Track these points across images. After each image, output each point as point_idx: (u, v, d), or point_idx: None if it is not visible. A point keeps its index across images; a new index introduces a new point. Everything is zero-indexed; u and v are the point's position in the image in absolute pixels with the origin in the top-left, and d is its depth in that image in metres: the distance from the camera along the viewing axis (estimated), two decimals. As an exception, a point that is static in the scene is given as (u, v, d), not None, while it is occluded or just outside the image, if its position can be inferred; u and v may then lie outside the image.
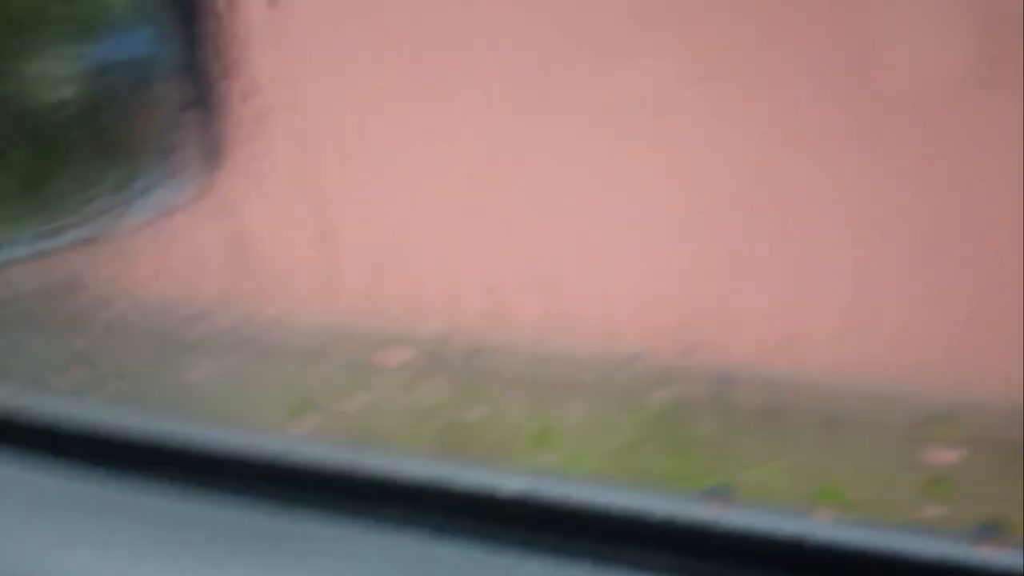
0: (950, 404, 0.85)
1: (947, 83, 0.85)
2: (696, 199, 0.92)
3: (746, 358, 0.91)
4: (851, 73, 0.88)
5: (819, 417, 0.93)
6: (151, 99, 1.15)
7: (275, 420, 0.92)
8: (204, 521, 0.35)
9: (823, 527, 0.34)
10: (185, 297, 1.08)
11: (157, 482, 0.37)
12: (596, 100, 0.97)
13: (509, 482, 0.32)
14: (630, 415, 1.07)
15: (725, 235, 0.93)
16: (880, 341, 0.89)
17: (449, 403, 0.96)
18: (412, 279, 1.04)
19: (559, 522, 0.31)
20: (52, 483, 0.37)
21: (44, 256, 1.06)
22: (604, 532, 0.31)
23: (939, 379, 0.88)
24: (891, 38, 0.87)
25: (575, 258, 1.04)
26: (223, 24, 0.89)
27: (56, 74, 1.42)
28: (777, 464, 0.84)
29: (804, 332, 0.92)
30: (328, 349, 1.00)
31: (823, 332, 0.92)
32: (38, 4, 1.32)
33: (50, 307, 1.08)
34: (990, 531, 0.37)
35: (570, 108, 0.97)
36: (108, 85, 1.31)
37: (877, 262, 0.88)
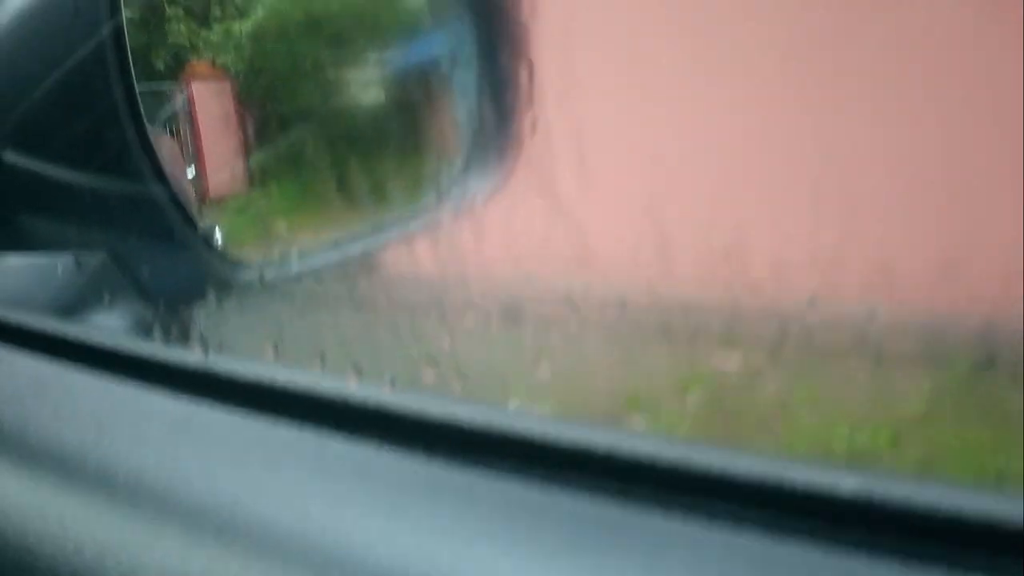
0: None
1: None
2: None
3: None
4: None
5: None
6: (452, 97, 1.23)
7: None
8: (544, 511, 0.38)
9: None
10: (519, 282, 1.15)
11: (505, 472, 0.40)
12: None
13: (844, 481, 0.32)
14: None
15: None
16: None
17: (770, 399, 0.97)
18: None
19: (900, 525, 0.31)
20: (421, 474, 0.41)
21: (367, 255, 1.15)
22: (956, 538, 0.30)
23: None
24: None
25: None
26: (523, 31, 0.94)
27: (366, 79, 1.53)
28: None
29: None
30: (661, 338, 1.03)
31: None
32: (350, 18, 1.44)
33: (383, 301, 1.18)
34: None
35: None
36: (413, 86, 1.40)
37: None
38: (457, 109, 1.18)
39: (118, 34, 0.82)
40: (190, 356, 0.54)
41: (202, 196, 1.45)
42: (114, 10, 0.84)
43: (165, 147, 1.37)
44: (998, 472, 0.95)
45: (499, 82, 1.01)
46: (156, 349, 0.57)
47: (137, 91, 0.82)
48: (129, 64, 0.83)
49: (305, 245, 1.16)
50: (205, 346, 0.54)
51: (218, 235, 1.22)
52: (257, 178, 1.57)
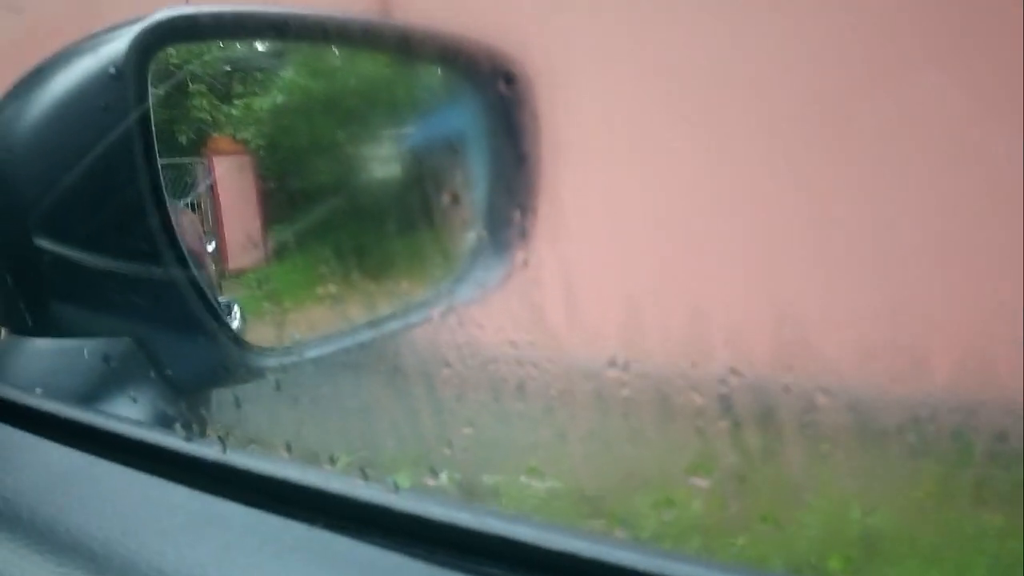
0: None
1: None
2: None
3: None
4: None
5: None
6: (467, 173, 1.27)
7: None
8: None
9: None
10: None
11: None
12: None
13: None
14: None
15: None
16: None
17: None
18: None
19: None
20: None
21: (380, 339, 1.19)
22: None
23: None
24: None
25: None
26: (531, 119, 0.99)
27: (383, 155, 1.59)
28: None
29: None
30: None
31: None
32: (368, 94, 1.49)
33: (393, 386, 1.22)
34: None
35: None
36: (429, 162, 1.45)
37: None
38: (470, 187, 1.22)
39: (145, 124, 0.87)
40: (209, 451, 0.57)
41: (222, 270, 1.49)
42: (140, 100, 0.88)
43: (186, 221, 1.42)
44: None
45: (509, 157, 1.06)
46: (178, 443, 0.60)
47: (162, 180, 0.86)
48: (155, 153, 0.87)
49: (320, 329, 1.19)
50: (223, 442, 0.58)
51: (237, 312, 1.26)
52: (277, 252, 1.61)
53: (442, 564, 0.45)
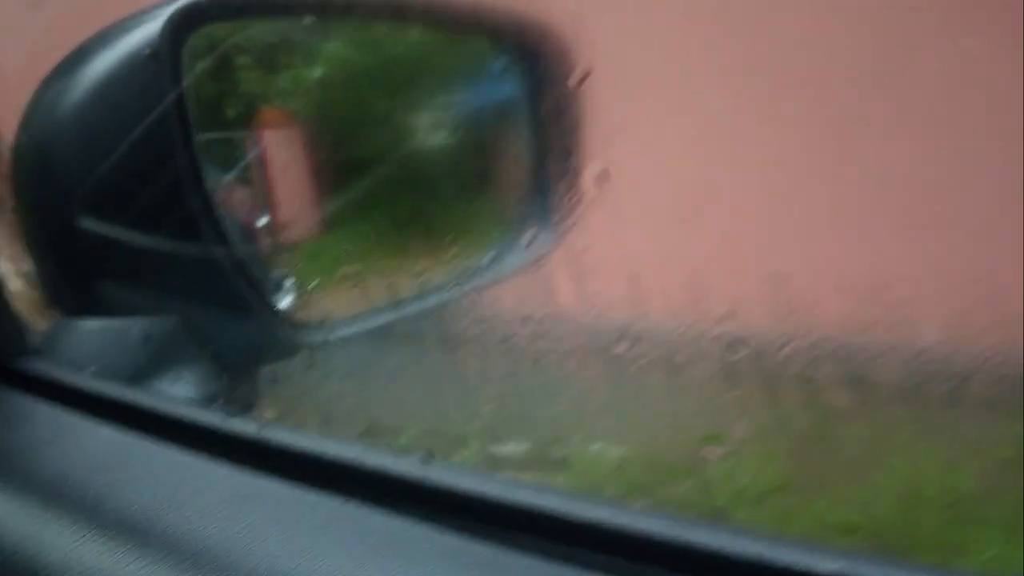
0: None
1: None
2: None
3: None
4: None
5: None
6: (516, 143, 1.28)
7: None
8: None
9: None
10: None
11: (527, 545, 0.45)
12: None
13: (825, 563, 0.36)
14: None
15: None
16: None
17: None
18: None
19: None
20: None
21: (436, 308, 1.21)
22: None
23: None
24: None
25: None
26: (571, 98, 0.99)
27: (433, 122, 1.60)
28: None
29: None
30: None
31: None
32: (416, 61, 1.50)
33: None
34: None
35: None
36: (479, 130, 1.46)
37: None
38: (521, 153, 1.23)
39: (181, 105, 0.90)
40: (247, 427, 0.60)
41: (276, 242, 1.52)
42: (176, 80, 0.91)
43: (237, 196, 1.45)
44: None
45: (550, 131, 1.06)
46: (217, 420, 0.63)
47: (200, 160, 0.89)
48: (191, 134, 0.90)
49: (368, 302, 1.21)
50: (260, 418, 0.60)
51: (289, 286, 1.29)
52: (330, 223, 1.64)
53: (473, 534, 0.46)
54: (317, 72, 1.80)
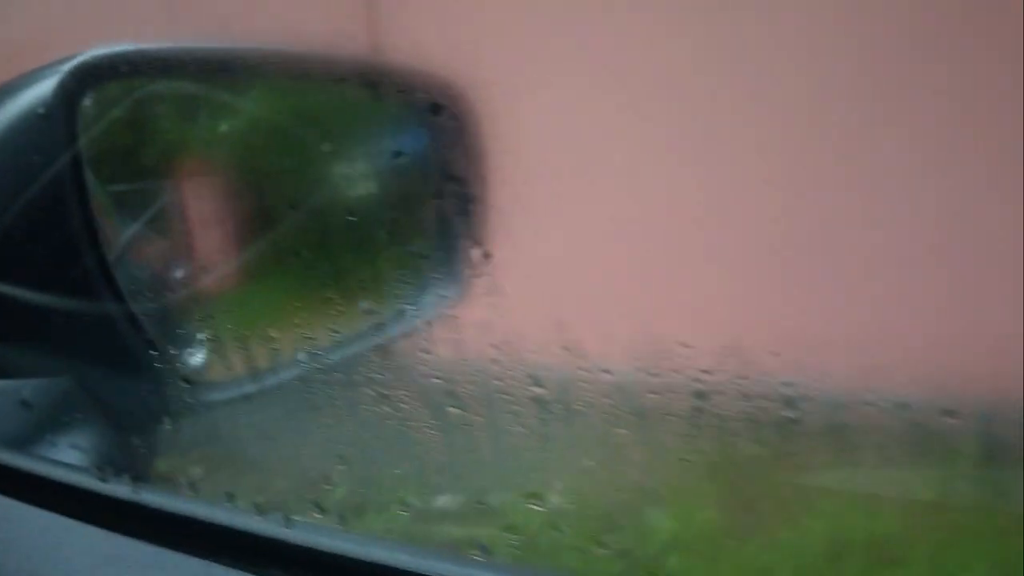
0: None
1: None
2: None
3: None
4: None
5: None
6: (430, 193, 1.30)
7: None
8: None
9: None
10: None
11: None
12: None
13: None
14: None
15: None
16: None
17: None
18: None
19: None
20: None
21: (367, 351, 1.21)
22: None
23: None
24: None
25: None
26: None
27: (352, 173, 1.62)
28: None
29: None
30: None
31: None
32: (337, 113, 1.52)
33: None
34: None
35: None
36: (399, 180, 1.48)
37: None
38: (430, 206, 1.25)
39: (75, 163, 0.90)
40: (120, 490, 0.60)
41: (193, 295, 1.52)
42: (71, 139, 0.91)
43: (154, 247, 1.45)
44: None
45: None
46: (93, 482, 0.63)
47: (95, 220, 0.89)
48: (87, 192, 0.90)
49: (280, 354, 1.22)
50: (135, 481, 0.60)
51: (199, 340, 1.29)
52: (248, 275, 1.64)
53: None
54: (235, 123, 1.82)
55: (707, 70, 1.14)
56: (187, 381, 0.95)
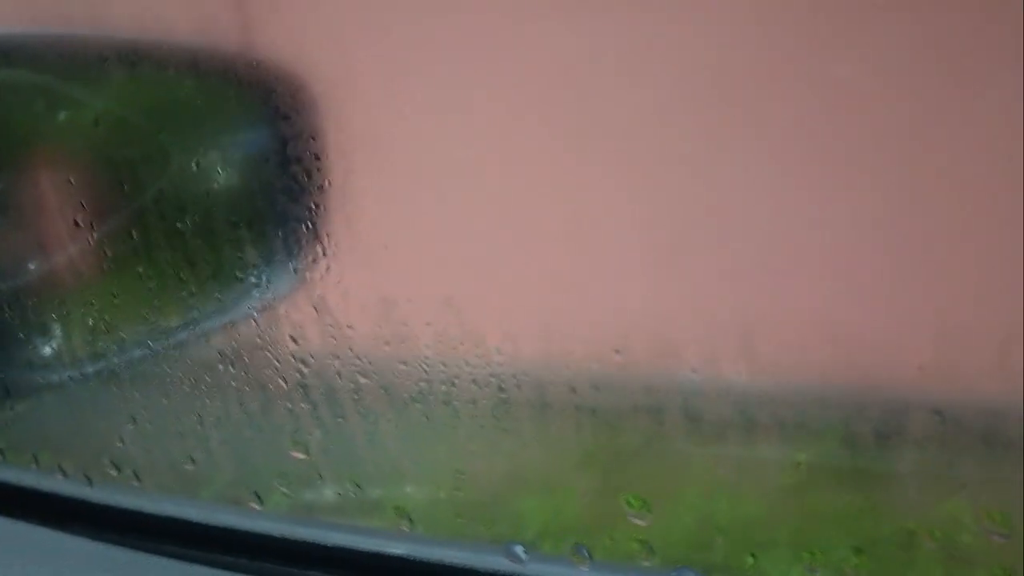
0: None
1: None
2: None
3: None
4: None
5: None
6: (272, 187, 1.34)
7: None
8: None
9: None
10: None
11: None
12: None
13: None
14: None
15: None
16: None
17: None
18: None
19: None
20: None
21: (208, 335, 1.24)
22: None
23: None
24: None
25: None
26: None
27: (208, 164, 1.64)
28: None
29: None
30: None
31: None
32: (194, 106, 1.54)
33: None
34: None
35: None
36: (252, 173, 1.51)
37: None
38: (274, 197, 1.29)
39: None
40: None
41: (48, 285, 1.53)
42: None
43: (9, 238, 1.45)
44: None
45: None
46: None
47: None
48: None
49: (133, 335, 1.24)
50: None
51: (54, 330, 1.30)
52: (104, 265, 1.65)
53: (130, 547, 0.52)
54: (87, 113, 1.81)
55: (594, 60, 1.13)
56: (31, 365, 0.97)
